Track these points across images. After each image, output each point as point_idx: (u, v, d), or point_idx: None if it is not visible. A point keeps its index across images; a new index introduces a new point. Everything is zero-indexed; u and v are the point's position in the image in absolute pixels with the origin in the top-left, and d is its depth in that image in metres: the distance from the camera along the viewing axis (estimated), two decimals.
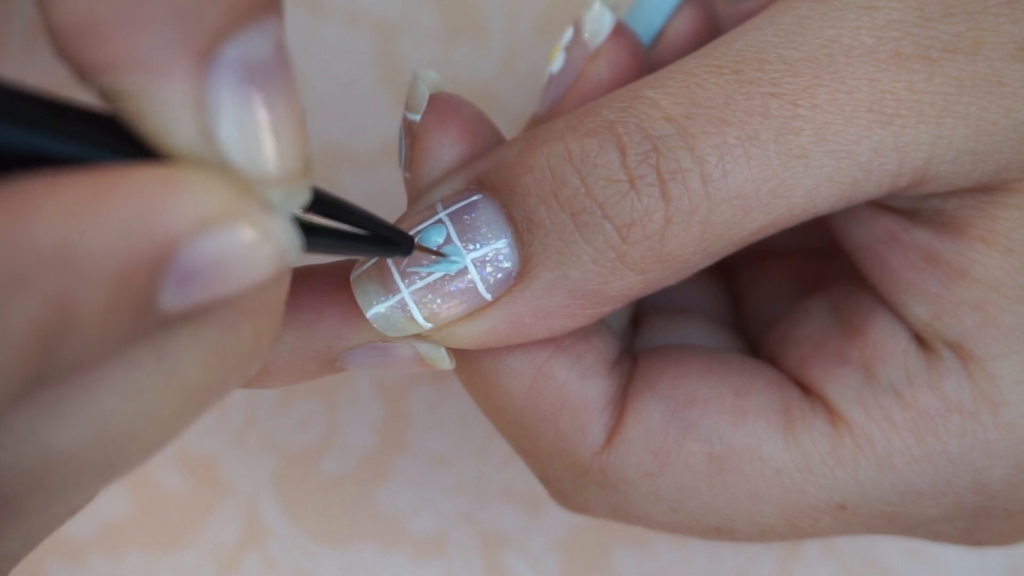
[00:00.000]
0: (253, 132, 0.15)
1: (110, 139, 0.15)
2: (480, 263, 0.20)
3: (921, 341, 0.22)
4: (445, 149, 0.21)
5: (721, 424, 0.22)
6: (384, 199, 0.32)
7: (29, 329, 0.14)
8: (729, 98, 0.19)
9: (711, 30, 0.25)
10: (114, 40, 0.14)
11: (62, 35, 0.14)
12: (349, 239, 0.19)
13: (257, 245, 0.15)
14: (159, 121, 0.15)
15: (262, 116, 0.15)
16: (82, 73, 0.15)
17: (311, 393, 0.31)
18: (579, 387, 0.22)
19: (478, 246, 0.20)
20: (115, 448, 0.16)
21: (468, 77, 0.32)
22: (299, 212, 0.17)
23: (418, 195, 0.21)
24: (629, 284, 0.20)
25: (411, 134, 0.22)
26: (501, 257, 0.20)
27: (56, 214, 0.13)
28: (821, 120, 0.19)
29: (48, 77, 0.32)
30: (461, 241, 0.20)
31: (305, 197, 0.16)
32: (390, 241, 0.19)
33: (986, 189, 0.20)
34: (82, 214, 0.14)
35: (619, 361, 0.23)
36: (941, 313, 0.21)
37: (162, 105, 0.15)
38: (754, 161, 0.19)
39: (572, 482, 0.23)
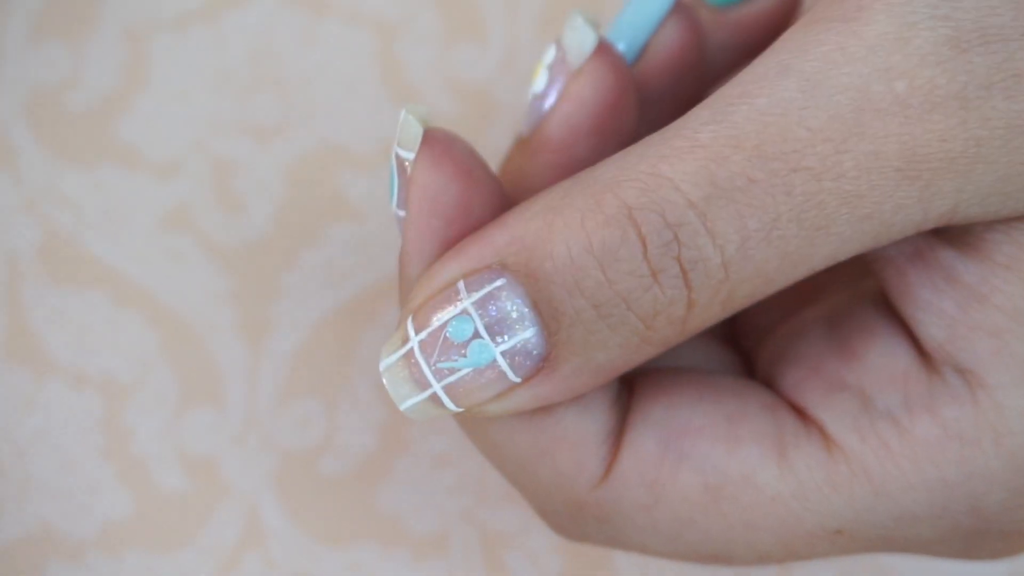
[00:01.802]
0: None
1: None
2: (508, 353, 0.20)
3: (926, 360, 0.21)
4: (441, 189, 0.21)
5: (715, 453, 0.22)
6: (384, 199, 0.32)
7: None
8: (751, 179, 0.19)
9: (697, 42, 0.25)
10: None
11: None
12: None
13: None
14: None
15: None
16: None
17: (311, 393, 0.31)
18: (578, 422, 0.22)
19: (506, 339, 0.20)
20: None
21: (468, 77, 0.32)
22: None
23: (415, 237, 0.21)
24: (650, 354, 0.20)
25: (404, 171, 0.22)
26: (529, 347, 0.20)
27: None
28: (847, 190, 0.18)
29: (48, 76, 0.32)
30: (489, 335, 0.20)
31: None
32: None
33: (1017, 218, 0.20)
34: None
35: (619, 394, 0.23)
36: (955, 336, 0.21)
37: None
38: (776, 242, 0.19)
39: (570, 516, 0.23)
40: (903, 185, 0.18)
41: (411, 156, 0.21)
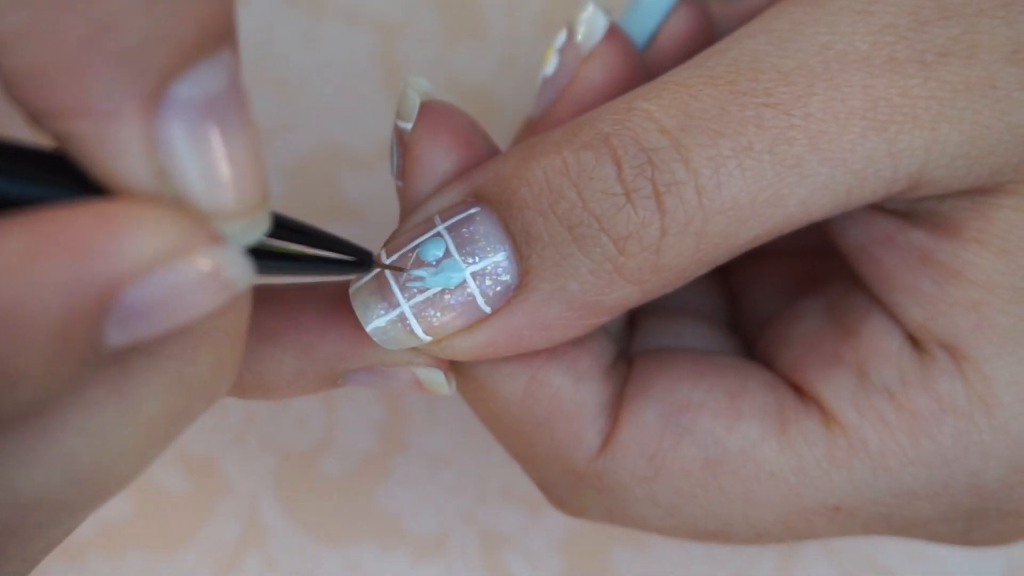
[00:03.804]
0: (208, 168, 0.15)
1: (63, 179, 0.15)
2: (479, 276, 0.20)
3: (915, 342, 0.22)
4: (437, 158, 0.21)
5: (716, 428, 0.22)
6: (384, 199, 0.32)
7: None
8: (723, 109, 0.19)
9: (706, 30, 0.25)
10: (63, 87, 0.14)
11: (13, 81, 0.14)
12: (310, 261, 0.19)
13: (204, 279, 0.15)
14: (113, 163, 0.15)
15: (216, 152, 0.15)
16: (34, 117, 0.15)
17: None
18: (573, 393, 0.22)
19: (477, 259, 0.20)
20: (85, 486, 0.16)
21: (468, 77, 0.32)
22: (259, 238, 0.17)
23: (412, 205, 0.22)
24: (626, 294, 0.20)
25: (402, 143, 0.22)
26: (500, 270, 0.20)
27: None
28: (815, 129, 0.19)
29: None
30: (460, 255, 0.20)
31: (264, 226, 0.16)
32: (351, 261, 0.19)
33: (981, 191, 0.20)
34: (18, 271, 0.14)
35: (614, 365, 0.23)
36: (935, 314, 0.21)
37: (115, 147, 0.15)
38: (748, 172, 0.19)
39: (569, 488, 0.23)
40: (870, 135, 0.19)
41: (409, 127, 0.22)
